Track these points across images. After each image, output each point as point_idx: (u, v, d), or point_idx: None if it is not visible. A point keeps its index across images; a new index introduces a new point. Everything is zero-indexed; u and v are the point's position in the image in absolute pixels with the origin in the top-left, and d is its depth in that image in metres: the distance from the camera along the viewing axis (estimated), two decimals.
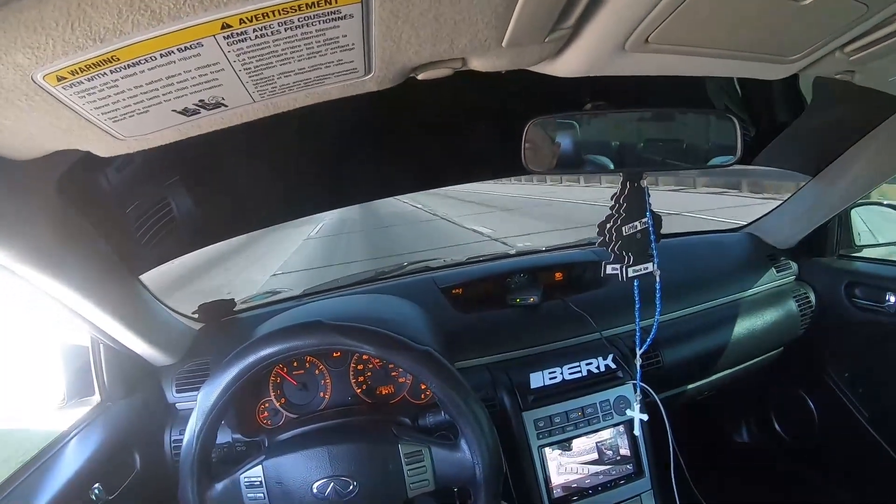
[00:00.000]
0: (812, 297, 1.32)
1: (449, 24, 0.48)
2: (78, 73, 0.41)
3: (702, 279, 1.23)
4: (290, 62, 0.46)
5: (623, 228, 0.84)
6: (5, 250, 0.63)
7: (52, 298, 0.78)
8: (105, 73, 0.41)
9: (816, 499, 1.32)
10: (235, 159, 1.05)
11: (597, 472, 1.01)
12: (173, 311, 1.12)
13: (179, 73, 0.44)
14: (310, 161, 1.11)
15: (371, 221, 11.33)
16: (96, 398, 0.98)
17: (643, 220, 0.86)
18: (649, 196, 0.86)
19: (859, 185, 1.19)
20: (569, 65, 0.62)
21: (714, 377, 1.21)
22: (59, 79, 0.41)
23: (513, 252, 1.43)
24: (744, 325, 1.21)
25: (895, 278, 1.20)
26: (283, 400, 1.01)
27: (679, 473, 1.01)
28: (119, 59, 0.40)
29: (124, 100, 0.45)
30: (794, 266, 1.34)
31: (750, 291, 1.27)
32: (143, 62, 0.41)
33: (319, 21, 0.42)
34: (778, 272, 1.32)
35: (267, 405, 1.01)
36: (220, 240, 1.18)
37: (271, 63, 0.46)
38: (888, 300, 1.20)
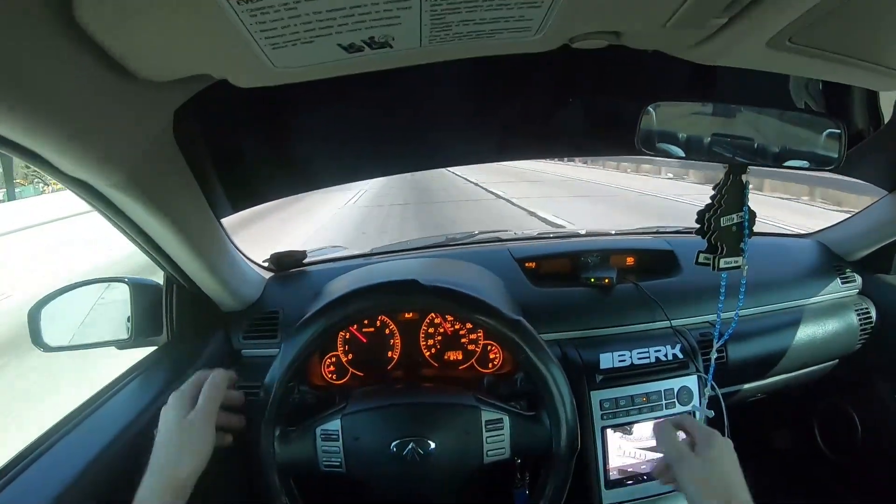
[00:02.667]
0: (873, 313, 1.31)
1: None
2: None
3: (770, 281, 1.23)
4: (476, 11, 0.47)
5: (722, 219, 0.85)
6: (110, 176, 0.62)
7: (137, 232, 0.79)
8: None
9: None
10: (323, 115, 1.05)
11: (653, 459, 1.02)
12: (247, 258, 1.14)
13: (364, 5, 0.43)
14: (395, 123, 1.12)
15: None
16: (163, 338, 1.00)
17: (740, 213, 0.86)
18: (749, 191, 0.87)
19: None
20: (709, 53, 0.62)
21: (771, 380, 1.21)
22: None
23: (583, 232, 1.44)
24: (806, 332, 1.21)
25: None
26: (350, 356, 1.03)
27: None
28: None
29: (296, 25, 0.44)
30: (859, 279, 1.34)
31: (814, 299, 1.27)
32: None
33: None
34: (842, 283, 1.31)
35: (333, 360, 1.03)
36: (298, 193, 1.20)
37: (458, 9, 0.46)
38: None
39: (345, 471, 0.75)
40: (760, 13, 0.52)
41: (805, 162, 0.89)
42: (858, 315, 1.29)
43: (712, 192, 0.85)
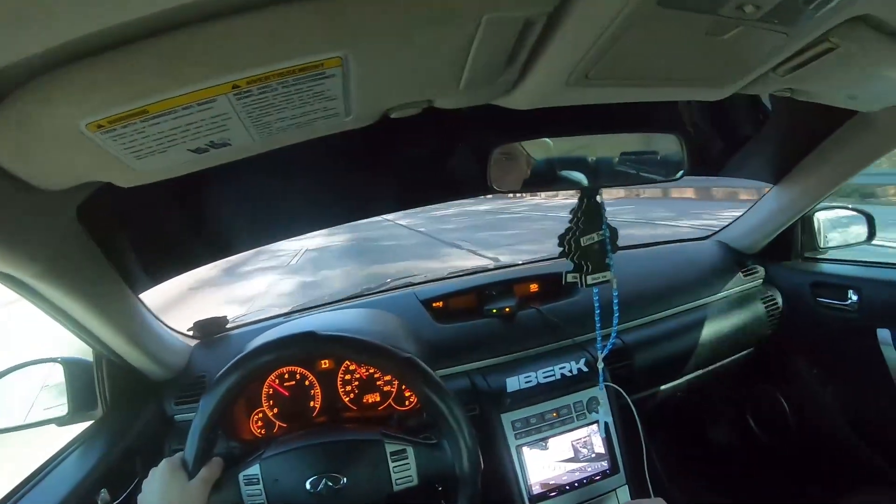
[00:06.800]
0: (779, 299, 1.38)
1: (412, 74, 0.57)
2: (115, 123, 0.50)
3: (670, 286, 1.30)
4: (284, 111, 0.56)
5: (581, 240, 0.92)
6: (29, 269, 0.71)
7: (61, 315, 0.85)
8: (136, 123, 0.50)
9: (792, 498, 1.37)
10: (227, 185, 1.12)
11: (573, 470, 1.07)
12: (170, 328, 1.19)
13: (195, 122, 0.53)
14: (292, 189, 1.19)
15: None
16: (99, 412, 1.04)
17: (600, 232, 0.94)
18: (605, 210, 0.94)
19: (818, 190, 1.27)
20: (520, 100, 0.70)
21: (686, 378, 1.27)
22: (99, 126, 0.50)
23: (491, 266, 1.51)
24: (712, 328, 1.28)
25: (855, 277, 1.27)
26: (275, 410, 1.08)
27: (653, 470, 1.07)
28: (149, 112, 0.49)
29: (148, 143, 0.55)
30: (761, 270, 1.41)
31: (718, 295, 1.34)
32: (167, 114, 0.50)
33: (309, 80, 0.51)
34: (745, 276, 1.39)
35: (260, 416, 1.08)
36: (213, 261, 1.26)
37: (269, 112, 0.56)
38: (850, 298, 1.27)
39: None
40: (544, 63, 0.60)
41: (657, 176, 0.98)
42: (765, 303, 1.36)
43: (569, 216, 0.93)
